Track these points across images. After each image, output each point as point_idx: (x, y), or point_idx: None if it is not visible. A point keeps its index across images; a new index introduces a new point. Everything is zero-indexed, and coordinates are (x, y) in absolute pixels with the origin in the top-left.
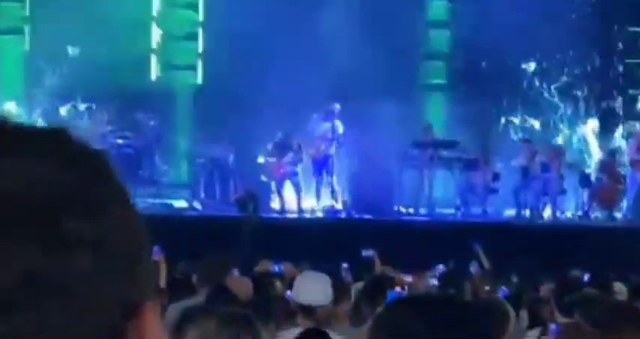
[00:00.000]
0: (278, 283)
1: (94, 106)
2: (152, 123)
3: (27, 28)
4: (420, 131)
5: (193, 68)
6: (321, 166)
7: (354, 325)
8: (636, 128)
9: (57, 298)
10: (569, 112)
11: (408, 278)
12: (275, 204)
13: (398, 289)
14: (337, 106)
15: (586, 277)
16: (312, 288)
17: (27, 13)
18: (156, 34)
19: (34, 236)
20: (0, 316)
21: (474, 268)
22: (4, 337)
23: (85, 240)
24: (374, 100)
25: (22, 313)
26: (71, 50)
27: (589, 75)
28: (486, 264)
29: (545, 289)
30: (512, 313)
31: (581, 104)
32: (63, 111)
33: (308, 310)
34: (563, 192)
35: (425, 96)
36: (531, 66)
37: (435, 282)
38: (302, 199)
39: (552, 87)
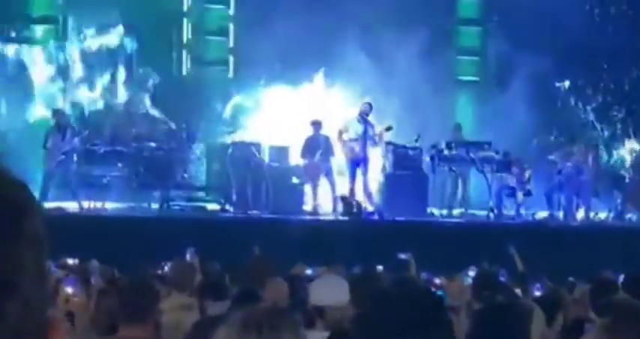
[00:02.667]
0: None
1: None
2: (183, 125)
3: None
4: (451, 131)
5: (225, 63)
6: (356, 167)
7: None
8: None
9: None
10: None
11: (441, 280)
12: (307, 206)
13: (432, 289)
14: (370, 107)
15: (620, 279)
16: (325, 290)
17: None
18: (186, 28)
19: None
20: None
21: (503, 276)
22: None
23: (31, 244)
24: (407, 98)
25: None
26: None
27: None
28: (520, 266)
29: (580, 290)
30: (541, 315)
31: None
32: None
33: (321, 312)
34: (596, 194)
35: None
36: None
37: (469, 282)
38: (337, 199)
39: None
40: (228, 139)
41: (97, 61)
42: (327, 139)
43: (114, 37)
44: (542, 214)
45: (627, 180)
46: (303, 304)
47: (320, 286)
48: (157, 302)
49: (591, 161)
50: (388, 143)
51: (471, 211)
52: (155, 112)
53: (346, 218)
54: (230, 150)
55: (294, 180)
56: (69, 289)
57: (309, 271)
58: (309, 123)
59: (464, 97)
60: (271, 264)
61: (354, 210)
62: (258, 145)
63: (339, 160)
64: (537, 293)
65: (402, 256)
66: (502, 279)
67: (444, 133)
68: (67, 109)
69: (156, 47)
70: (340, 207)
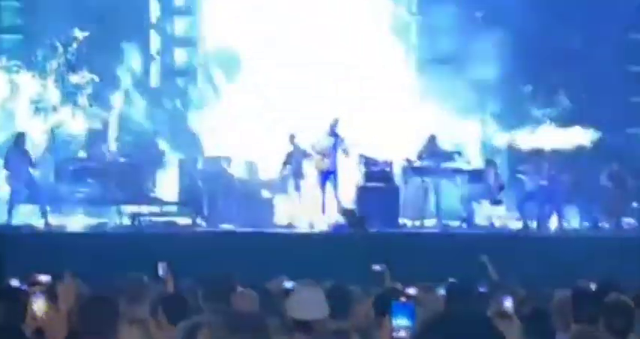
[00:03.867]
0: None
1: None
2: (155, 139)
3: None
4: (426, 142)
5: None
6: (326, 179)
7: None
8: None
9: None
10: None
11: (413, 291)
12: (278, 219)
13: (403, 299)
14: (340, 120)
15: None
16: (305, 303)
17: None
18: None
19: None
20: None
21: (483, 287)
22: None
23: None
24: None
25: None
26: None
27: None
28: (494, 276)
29: (557, 299)
30: (518, 326)
31: None
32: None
33: (303, 326)
34: (569, 201)
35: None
36: None
37: (442, 293)
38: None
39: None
40: (199, 154)
41: (64, 77)
42: (305, 154)
43: (80, 52)
44: (515, 224)
45: (603, 187)
46: (280, 316)
47: (297, 299)
48: (117, 318)
49: (563, 170)
50: (359, 155)
51: (443, 222)
52: (126, 127)
53: (350, 231)
54: (201, 164)
55: (265, 194)
56: (38, 306)
57: (288, 285)
58: (288, 137)
59: None
60: (233, 278)
61: (357, 222)
62: (229, 160)
63: (310, 173)
64: (508, 303)
65: (377, 267)
66: (482, 290)
67: (415, 143)
68: (36, 128)
69: (124, 58)
70: (342, 219)
